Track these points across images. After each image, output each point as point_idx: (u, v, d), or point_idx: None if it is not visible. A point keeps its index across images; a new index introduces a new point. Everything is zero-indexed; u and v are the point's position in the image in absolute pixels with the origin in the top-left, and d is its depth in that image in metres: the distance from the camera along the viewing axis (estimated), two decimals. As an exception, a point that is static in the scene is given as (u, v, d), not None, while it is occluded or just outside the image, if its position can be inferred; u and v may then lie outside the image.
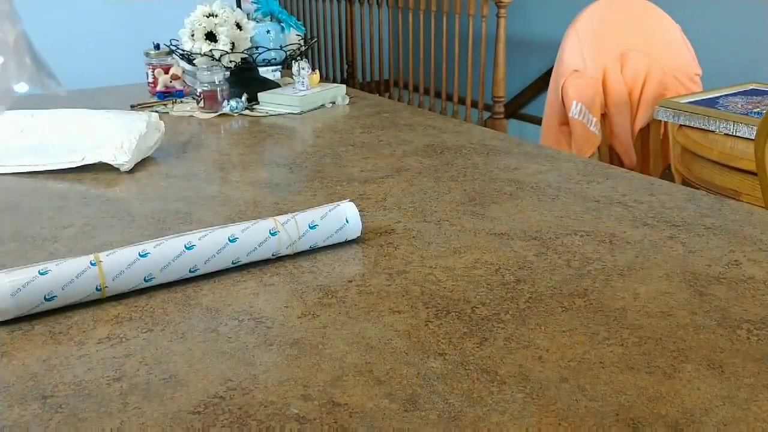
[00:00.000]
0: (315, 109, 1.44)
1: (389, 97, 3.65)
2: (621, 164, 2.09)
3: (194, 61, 1.42)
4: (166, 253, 0.65)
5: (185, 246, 0.66)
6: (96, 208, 0.91)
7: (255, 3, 1.50)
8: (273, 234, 0.70)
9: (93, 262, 0.63)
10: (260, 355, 0.55)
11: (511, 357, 0.54)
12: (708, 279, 0.66)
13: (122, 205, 0.91)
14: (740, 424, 0.46)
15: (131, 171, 1.04)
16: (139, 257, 0.64)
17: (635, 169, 2.08)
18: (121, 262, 0.64)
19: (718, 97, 1.87)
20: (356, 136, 1.23)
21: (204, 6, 1.41)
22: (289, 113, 1.40)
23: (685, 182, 1.72)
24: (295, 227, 0.71)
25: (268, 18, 1.50)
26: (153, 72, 1.53)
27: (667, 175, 1.94)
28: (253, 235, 0.69)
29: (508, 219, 0.82)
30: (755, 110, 1.73)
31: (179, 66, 1.54)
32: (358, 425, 0.47)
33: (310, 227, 0.72)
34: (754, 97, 1.89)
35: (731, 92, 1.94)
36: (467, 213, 0.85)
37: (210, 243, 0.67)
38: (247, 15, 1.47)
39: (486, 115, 3.27)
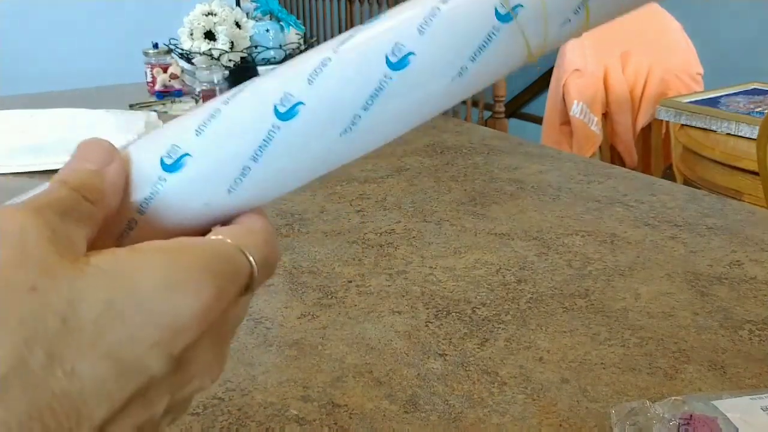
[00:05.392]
0: (315, 108, 1.43)
1: (390, 97, 3.64)
2: (622, 164, 2.09)
3: (193, 60, 1.41)
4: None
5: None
6: (95, 207, 0.90)
7: (254, 2, 1.49)
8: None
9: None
10: (259, 355, 0.55)
11: (512, 358, 0.54)
12: (710, 279, 0.66)
13: (121, 204, 0.91)
14: (743, 425, 0.46)
15: (130, 170, 1.03)
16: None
17: (636, 168, 2.07)
18: None
19: (719, 97, 1.87)
20: (356, 135, 1.22)
21: (203, 5, 1.41)
22: (289, 113, 1.40)
23: (687, 182, 1.71)
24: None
25: (268, 17, 1.50)
26: (152, 71, 1.53)
27: (668, 174, 1.93)
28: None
29: (509, 219, 0.82)
30: (757, 110, 1.73)
31: (178, 65, 1.53)
32: (357, 426, 0.46)
33: None
34: (756, 96, 1.88)
35: (733, 92, 1.93)
36: (468, 213, 0.84)
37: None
38: (247, 14, 1.47)
39: (486, 114, 3.27)
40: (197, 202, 0.27)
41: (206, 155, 0.26)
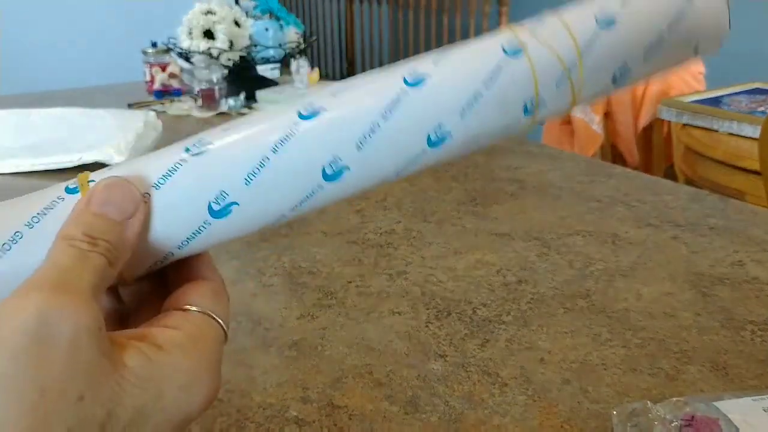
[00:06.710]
0: (315, 107, 1.43)
1: (390, 96, 3.63)
2: (624, 163, 2.08)
3: (192, 59, 1.41)
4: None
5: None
6: (94, 207, 0.90)
7: (253, 0, 1.49)
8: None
9: None
10: (259, 356, 0.55)
11: (513, 359, 0.54)
12: (712, 280, 0.66)
13: (120, 204, 0.91)
14: (746, 427, 0.45)
15: (130, 170, 1.03)
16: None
17: (638, 168, 2.07)
18: None
19: (721, 96, 1.86)
20: (356, 134, 1.22)
21: (202, 3, 1.41)
22: (289, 112, 1.39)
23: (689, 182, 1.71)
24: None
25: (267, 15, 1.49)
26: (150, 70, 1.53)
27: (669, 174, 1.93)
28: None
29: (510, 219, 0.81)
30: (759, 109, 1.73)
31: (177, 64, 1.53)
32: (357, 428, 0.46)
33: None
34: (759, 95, 1.88)
35: (735, 91, 1.93)
36: (468, 213, 0.84)
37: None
38: (246, 12, 1.46)
39: (487, 113, 3.26)
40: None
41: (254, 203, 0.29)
